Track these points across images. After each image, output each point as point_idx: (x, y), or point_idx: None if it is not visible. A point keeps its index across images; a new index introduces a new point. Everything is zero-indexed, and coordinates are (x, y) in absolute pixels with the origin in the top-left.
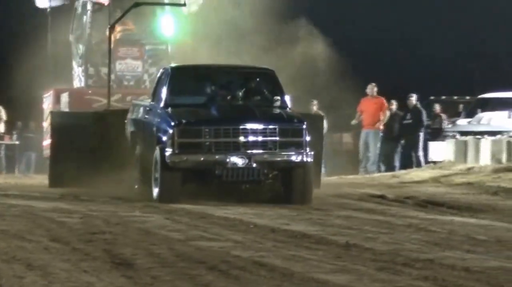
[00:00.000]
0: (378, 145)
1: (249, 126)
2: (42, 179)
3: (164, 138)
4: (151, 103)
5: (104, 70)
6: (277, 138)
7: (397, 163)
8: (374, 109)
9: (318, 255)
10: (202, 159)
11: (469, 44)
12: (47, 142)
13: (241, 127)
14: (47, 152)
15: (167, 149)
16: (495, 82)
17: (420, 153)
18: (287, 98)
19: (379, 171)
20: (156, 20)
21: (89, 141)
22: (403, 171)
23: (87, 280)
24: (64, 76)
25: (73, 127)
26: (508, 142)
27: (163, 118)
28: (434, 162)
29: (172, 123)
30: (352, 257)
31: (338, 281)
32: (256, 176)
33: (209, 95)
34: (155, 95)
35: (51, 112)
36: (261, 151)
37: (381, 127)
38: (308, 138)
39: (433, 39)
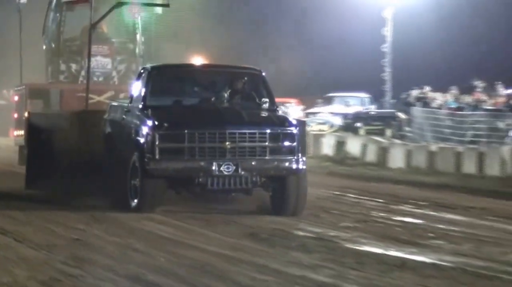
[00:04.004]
0: None
1: (237, 130)
2: None
3: (144, 143)
4: (129, 104)
5: (75, 66)
6: (267, 143)
7: None
8: None
9: None
10: (185, 166)
11: None
12: (17, 132)
13: (228, 131)
14: (17, 141)
15: (146, 155)
16: None
17: None
18: (275, 100)
19: None
20: (125, 19)
21: (66, 143)
22: None
23: None
24: (35, 71)
25: (51, 129)
26: None
27: (142, 120)
28: None
29: (153, 126)
30: None
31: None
32: (244, 185)
33: (191, 96)
34: (134, 95)
35: (29, 113)
36: (249, 157)
37: None
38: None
39: None
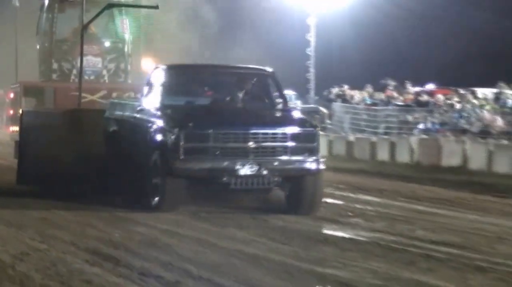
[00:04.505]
0: None
1: (260, 130)
2: None
3: (167, 142)
4: (142, 103)
5: (67, 65)
6: (289, 144)
7: None
8: None
9: None
10: (209, 166)
11: None
12: (13, 128)
13: (251, 131)
14: (13, 136)
15: (170, 155)
16: None
17: None
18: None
19: None
20: (114, 20)
21: (59, 141)
22: None
23: None
24: (28, 70)
25: (42, 126)
26: None
27: (164, 119)
28: None
29: (177, 126)
30: None
31: None
32: (266, 184)
33: (206, 96)
34: (147, 94)
35: (23, 111)
36: (271, 157)
37: None
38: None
39: None
